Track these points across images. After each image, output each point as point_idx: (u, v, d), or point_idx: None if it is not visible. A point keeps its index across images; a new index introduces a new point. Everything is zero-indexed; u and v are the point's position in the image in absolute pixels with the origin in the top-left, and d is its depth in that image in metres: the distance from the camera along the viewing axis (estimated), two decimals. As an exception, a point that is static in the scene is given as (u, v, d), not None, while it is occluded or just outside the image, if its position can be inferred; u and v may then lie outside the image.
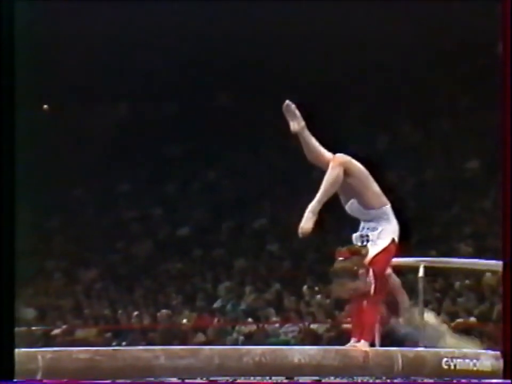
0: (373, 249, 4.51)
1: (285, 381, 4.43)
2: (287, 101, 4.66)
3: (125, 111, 21.74)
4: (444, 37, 16.21)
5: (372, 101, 18.12)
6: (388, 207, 4.60)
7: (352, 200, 4.59)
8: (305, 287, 13.86)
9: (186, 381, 4.10)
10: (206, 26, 16.95)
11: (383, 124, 17.77)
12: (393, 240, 4.54)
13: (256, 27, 17.02)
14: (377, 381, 4.59)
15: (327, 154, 4.63)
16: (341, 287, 4.46)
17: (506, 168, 3.62)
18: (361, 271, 4.42)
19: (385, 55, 17.29)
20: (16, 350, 3.67)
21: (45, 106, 22.10)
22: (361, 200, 4.56)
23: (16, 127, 3.28)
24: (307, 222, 4.44)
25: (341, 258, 4.48)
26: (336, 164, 4.48)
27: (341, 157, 4.54)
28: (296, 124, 4.67)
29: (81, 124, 20.69)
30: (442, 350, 4.93)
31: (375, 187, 4.59)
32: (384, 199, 4.60)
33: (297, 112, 4.66)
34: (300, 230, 4.41)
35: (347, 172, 4.50)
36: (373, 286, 4.45)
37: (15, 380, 3.31)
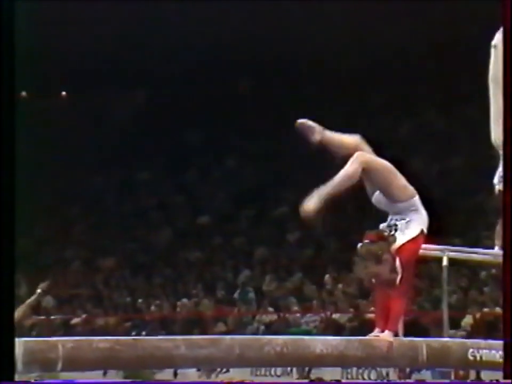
0: (401, 238, 4.50)
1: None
2: (298, 121, 4.57)
3: (144, 98, 21.78)
4: (467, 21, 16.05)
5: (395, 87, 18.00)
6: (416, 199, 4.56)
7: (377, 193, 4.58)
8: (327, 276, 13.84)
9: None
10: (228, 14, 16.89)
11: (406, 110, 17.66)
12: (422, 231, 4.51)
13: (278, 16, 16.95)
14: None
15: (353, 143, 4.62)
16: (363, 269, 4.45)
17: (507, 165, 3.65)
18: (385, 256, 4.40)
19: (407, 41, 17.15)
20: (37, 339, 3.71)
21: (63, 93, 22.21)
22: (386, 194, 4.54)
23: (15, 122, 3.32)
24: (309, 203, 4.29)
25: (367, 241, 4.49)
26: (356, 162, 4.43)
27: (362, 156, 4.46)
28: (316, 134, 4.62)
29: (100, 111, 20.76)
30: (468, 341, 4.90)
31: (400, 181, 4.54)
32: (410, 191, 4.55)
33: (310, 123, 4.60)
34: (301, 210, 4.30)
35: (367, 169, 4.46)
36: (399, 276, 4.43)
37: (15, 380, 3.34)
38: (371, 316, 10.51)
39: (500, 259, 6.67)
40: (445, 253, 5.71)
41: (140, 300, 15.35)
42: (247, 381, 10.62)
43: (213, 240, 17.31)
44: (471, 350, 4.63)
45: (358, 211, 13.68)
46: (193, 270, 16.39)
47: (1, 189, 3.28)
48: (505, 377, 3.83)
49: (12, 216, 3.28)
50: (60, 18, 16.74)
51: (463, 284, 12.30)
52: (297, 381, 11.17)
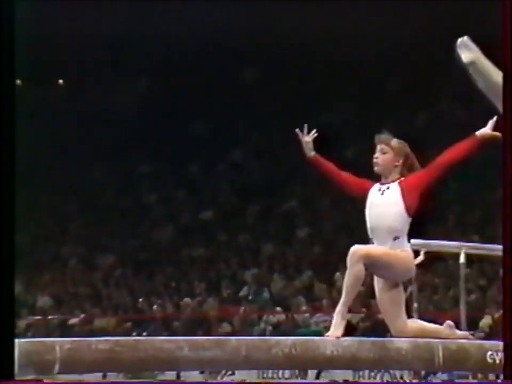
0: None
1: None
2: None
3: (146, 87, 21.77)
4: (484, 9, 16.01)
5: (409, 76, 17.96)
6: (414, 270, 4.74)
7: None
8: (337, 274, 13.83)
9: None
10: (235, 1, 16.87)
11: (422, 100, 17.61)
12: None
13: (289, 3, 16.92)
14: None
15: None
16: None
17: (507, 164, 3.70)
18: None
19: (422, 29, 17.11)
20: (33, 340, 3.72)
21: (60, 81, 22.22)
22: (390, 276, 4.61)
23: (16, 123, 3.33)
24: (337, 329, 4.38)
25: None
26: (355, 260, 4.43)
27: (357, 251, 4.46)
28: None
29: (99, 101, 20.75)
30: (487, 343, 4.89)
31: (401, 260, 4.60)
32: (412, 269, 4.68)
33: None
34: (331, 337, 4.32)
35: (369, 260, 4.47)
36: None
37: (15, 380, 3.35)
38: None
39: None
40: (462, 250, 5.69)
41: (140, 299, 15.38)
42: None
43: (217, 237, 17.32)
44: (489, 353, 4.62)
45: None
46: (196, 268, 16.41)
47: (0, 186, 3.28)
48: (505, 377, 3.85)
49: (12, 214, 3.28)
50: (60, 5, 16.75)
51: (482, 282, 12.29)
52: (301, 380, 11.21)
